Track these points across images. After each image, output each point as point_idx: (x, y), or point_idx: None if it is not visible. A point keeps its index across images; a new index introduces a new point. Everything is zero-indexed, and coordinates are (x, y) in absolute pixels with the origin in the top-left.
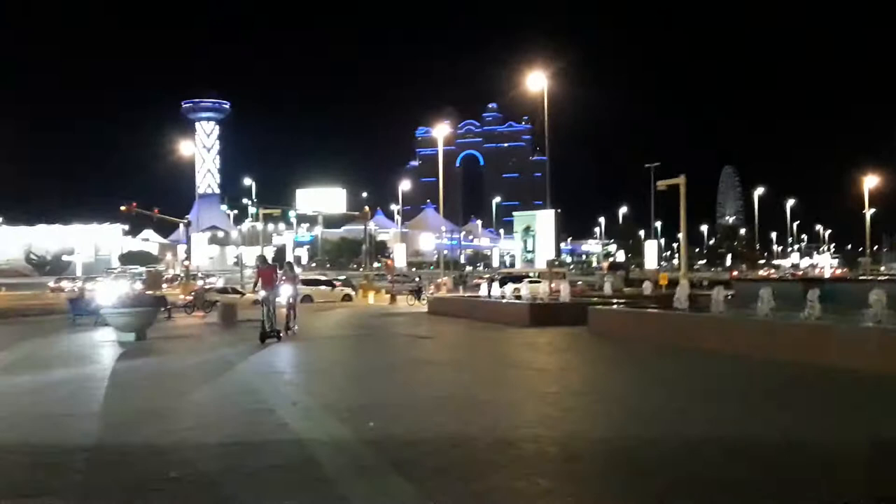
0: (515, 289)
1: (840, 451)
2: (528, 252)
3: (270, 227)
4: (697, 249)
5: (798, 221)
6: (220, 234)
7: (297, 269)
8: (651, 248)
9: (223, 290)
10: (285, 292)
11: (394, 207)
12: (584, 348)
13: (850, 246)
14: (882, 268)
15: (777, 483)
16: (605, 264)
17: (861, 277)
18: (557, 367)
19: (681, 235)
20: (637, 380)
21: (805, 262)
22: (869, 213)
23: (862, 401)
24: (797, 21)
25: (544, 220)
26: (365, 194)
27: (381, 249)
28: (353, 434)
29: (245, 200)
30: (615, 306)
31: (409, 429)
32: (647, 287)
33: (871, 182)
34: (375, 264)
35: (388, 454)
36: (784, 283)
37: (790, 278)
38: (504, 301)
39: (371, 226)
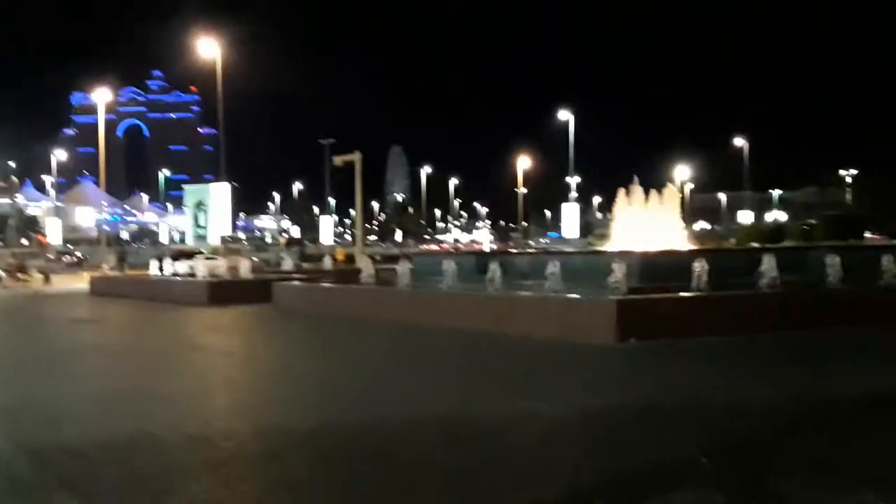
0: (189, 266)
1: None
2: (200, 228)
3: None
4: (369, 225)
5: (460, 199)
6: None
7: None
8: (326, 224)
9: None
10: None
11: (47, 179)
12: (271, 327)
13: (502, 222)
14: (531, 242)
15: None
16: (282, 240)
17: (517, 251)
18: (245, 348)
19: (356, 211)
20: (333, 359)
21: (466, 238)
22: (521, 191)
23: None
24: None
25: (218, 194)
26: (12, 163)
27: (32, 225)
28: (5, 443)
29: None
30: (297, 283)
31: (79, 433)
32: (327, 262)
33: (523, 163)
34: (24, 241)
35: (52, 467)
36: (456, 256)
37: (457, 252)
38: (179, 279)
39: (19, 198)
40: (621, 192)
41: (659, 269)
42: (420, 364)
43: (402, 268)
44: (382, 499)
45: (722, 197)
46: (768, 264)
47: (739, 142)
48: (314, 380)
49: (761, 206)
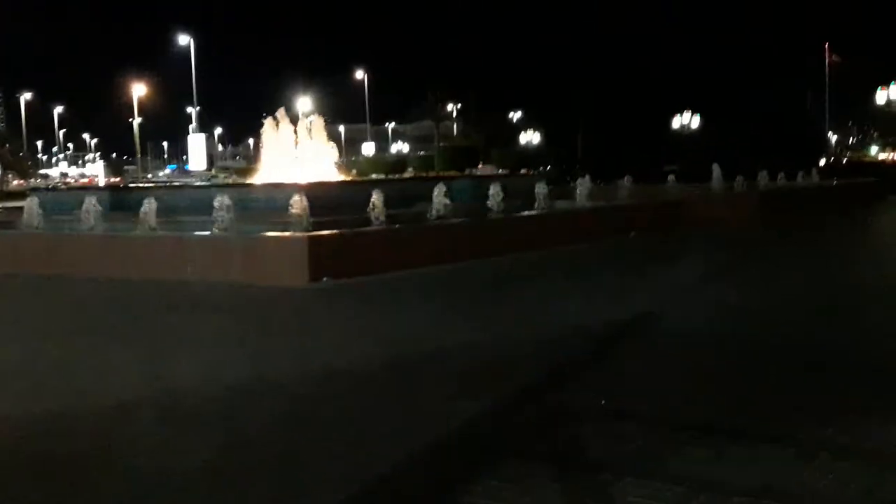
0: None
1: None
2: None
3: None
4: None
5: (65, 129)
6: None
7: None
8: None
9: None
10: None
11: None
12: None
13: (114, 154)
14: (149, 175)
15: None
16: None
17: (134, 185)
18: None
19: None
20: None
21: (75, 171)
22: (137, 122)
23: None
24: None
25: None
26: None
27: None
28: None
29: None
30: None
31: None
32: None
33: (138, 91)
34: None
35: None
36: (89, 191)
37: (88, 187)
38: None
39: None
40: (269, 121)
41: (326, 201)
42: (88, 327)
43: (30, 205)
44: None
45: (342, 129)
46: (439, 193)
47: (360, 74)
48: None
49: (379, 139)
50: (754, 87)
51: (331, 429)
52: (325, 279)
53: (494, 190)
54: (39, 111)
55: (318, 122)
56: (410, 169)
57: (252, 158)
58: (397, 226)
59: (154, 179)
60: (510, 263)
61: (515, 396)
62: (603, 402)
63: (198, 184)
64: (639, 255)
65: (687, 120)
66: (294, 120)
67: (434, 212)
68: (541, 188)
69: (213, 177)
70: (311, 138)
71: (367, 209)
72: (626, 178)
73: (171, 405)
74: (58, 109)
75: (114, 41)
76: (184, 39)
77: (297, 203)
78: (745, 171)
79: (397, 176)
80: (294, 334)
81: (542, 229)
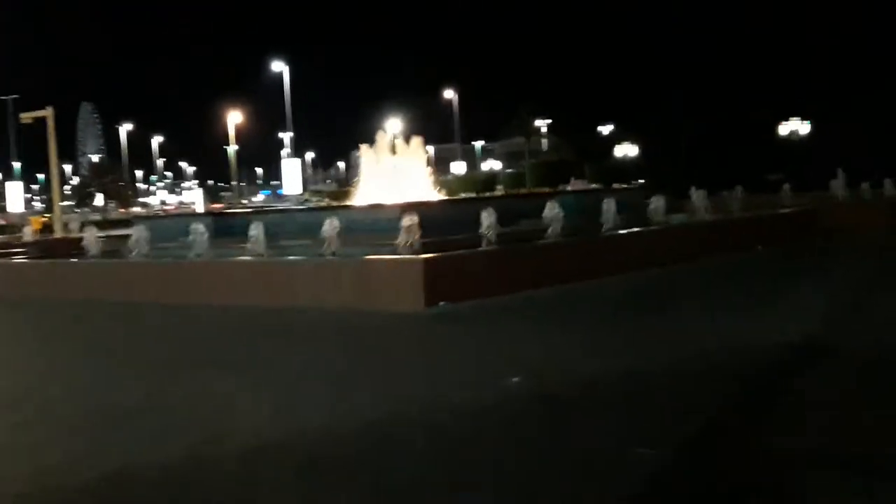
0: None
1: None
2: None
3: None
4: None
5: (164, 158)
6: None
7: None
8: (14, 191)
9: None
10: None
11: None
12: None
13: (210, 181)
14: (244, 200)
15: None
16: None
17: (235, 210)
18: None
19: (51, 173)
20: (98, 363)
21: (174, 199)
22: (233, 149)
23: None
24: None
25: None
26: None
27: None
28: None
29: None
30: (8, 259)
31: None
32: (28, 233)
33: (234, 119)
34: None
35: None
36: (177, 218)
37: (192, 214)
38: None
39: None
40: (364, 145)
41: (430, 221)
42: (208, 359)
43: (138, 234)
44: None
45: (430, 149)
46: (553, 210)
47: (449, 94)
48: (80, 400)
49: (468, 157)
50: (871, 90)
51: (490, 476)
52: (441, 303)
53: (608, 205)
54: (139, 141)
55: (416, 142)
56: (500, 187)
57: (343, 181)
58: (515, 245)
59: (250, 205)
60: (637, 282)
61: (702, 435)
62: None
63: (298, 207)
64: (779, 268)
65: (796, 126)
66: (392, 140)
67: (549, 230)
68: (657, 202)
69: (305, 200)
70: (408, 158)
71: (481, 229)
72: (736, 189)
73: (307, 448)
74: (157, 139)
75: (209, 71)
76: (277, 67)
77: (409, 224)
78: (866, 178)
79: (487, 194)
80: (422, 364)
81: (663, 245)
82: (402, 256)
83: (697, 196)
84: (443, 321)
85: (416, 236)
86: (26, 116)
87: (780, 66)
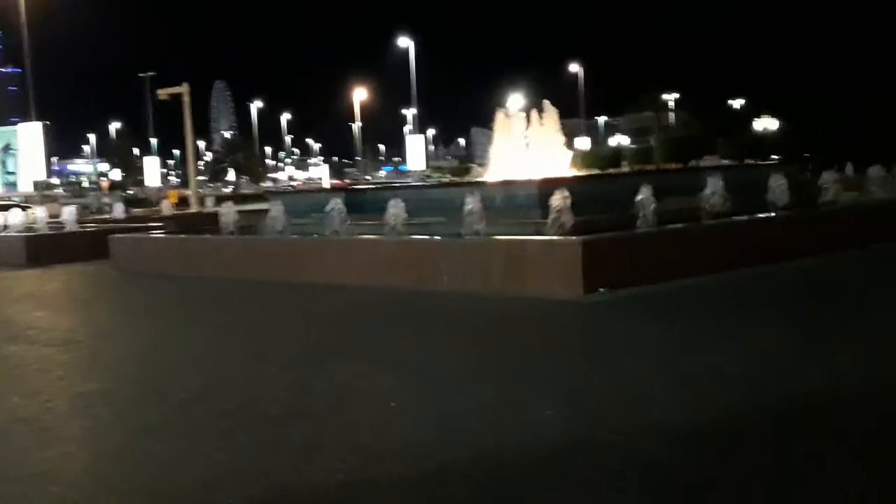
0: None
1: None
2: (9, 174)
3: None
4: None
5: (291, 135)
6: None
7: None
8: (152, 165)
9: None
10: None
11: None
12: (119, 295)
13: (335, 158)
14: (367, 177)
15: None
16: (104, 184)
17: (366, 186)
18: (89, 332)
19: (188, 149)
20: (248, 347)
21: (302, 175)
22: (357, 125)
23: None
24: None
25: (30, 136)
26: None
27: None
28: None
29: None
30: (144, 235)
31: None
32: (166, 207)
33: (359, 96)
34: None
35: None
36: (309, 194)
37: (332, 189)
38: None
39: None
40: (500, 114)
41: (577, 199)
42: (352, 350)
43: (275, 210)
44: None
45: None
46: (715, 185)
47: (574, 68)
48: (219, 397)
49: (592, 133)
50: None
51: None
52: (601, 290)
53: (776, 182)
54: (268, 118)
55: (550, 114)
56: (625, 163)
57: (463, 158)
58: (686, 225)
59: (373, 181)
60: (825, 268)
61: None
62: None
63: (429, 184)
64: None
65: None
66: (524, 112)
67: (711, 207)
68: (829, 178)
69: (427, 176)
70: (543, 131)
71: (636, 207)
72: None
73: (482, 473)
74: (285, 116)
75: (336, 48)
76: (403, 43)
77: (560, 202)
78: None
79: (612, 170)
80: (599, 365)
81: (848, 226)
82: (556, 237)
83: (874, 172)
84: (608, 311)
85: (569, 216)
86: (164, 93)
87: None
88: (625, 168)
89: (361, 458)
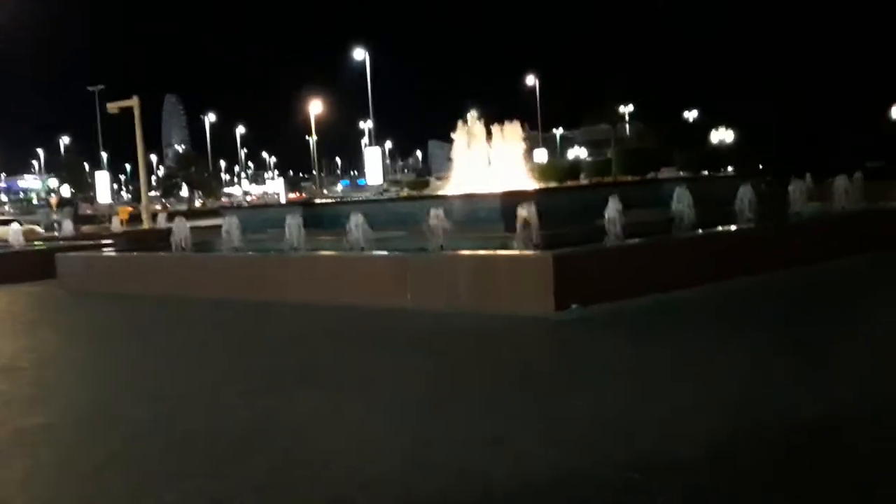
0: None
1: None
2: None
3: None
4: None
5: (245, 149)
6: None
7: None
8: (102, 181)
9: None
10: None
11: None
12: (66, 317)
13: (291, 172)
14: (324, 191)
15: None
16: (53, 200)
17: (324, 201)
18: (32, 358)
19: (139, 164)
20: (205, 372)
21: (257, 189)
22: (313, 139)
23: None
24: None
25: None
26: None
27: None
28: None
29: None
30: (91, 253)
31: None
32: (116, 224)
33: (315, 109)
34: None
35: None
36: (265, 209)
37: (285, 204)
38: None
39: None
40: (460, 125)
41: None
42: (317, 379)
43: (229, 225)
44: None
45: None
46: (682, 196)
47: (531, 80)
48: (173, 427)
49: (548, 145)
50: None
51: None
52: (573, 306)
53: (744, 192)
54: (222, 132)
55: (513, 127)
56: (583, 175)
57: (420, 171)
58: (656, 238)
59: (330, 195)
60: (795, 282)
61: None
62: None
63: (389, 197)
64: None
65: None
66: (482, 124)
67: (681, 219)
68: (797, 188)
69: (385, 190)
70: (504, 144)
71: (604, 220)
72: (856, 177)
73: None
74: (239, 130)
75: (292, 60)
76: (359, 55)
77: (527, 215)
78: None
79: (571, 183)
80: (575, 386)
81: (819, 237)
82: (526, 252)
83: (839, 181)
84: (581, 328)
85: (537, 230)
86: (114, 106)
87: (888, 46)
88: (583, 181)
89: (326, 496)
